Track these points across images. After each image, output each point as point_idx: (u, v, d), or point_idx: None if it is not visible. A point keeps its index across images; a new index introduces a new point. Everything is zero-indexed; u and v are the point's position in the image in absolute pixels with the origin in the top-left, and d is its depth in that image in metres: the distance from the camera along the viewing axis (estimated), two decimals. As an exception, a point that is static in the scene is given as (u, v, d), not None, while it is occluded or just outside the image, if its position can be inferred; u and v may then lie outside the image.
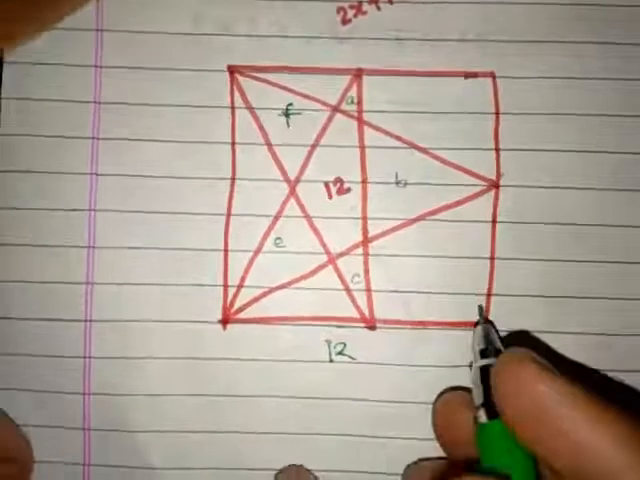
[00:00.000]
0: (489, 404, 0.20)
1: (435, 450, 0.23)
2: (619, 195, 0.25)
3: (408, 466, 0.25)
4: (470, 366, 0.22)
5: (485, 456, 0.20)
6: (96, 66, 0.25)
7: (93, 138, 0.25)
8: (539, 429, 0.18)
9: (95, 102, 0.25)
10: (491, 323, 0.24)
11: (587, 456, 0.17)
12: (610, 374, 0.25)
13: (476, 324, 0.24)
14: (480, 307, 0.25)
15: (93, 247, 0.25)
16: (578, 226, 0.25)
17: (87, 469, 0.25)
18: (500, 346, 0.22)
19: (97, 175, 0.25)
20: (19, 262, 0.25)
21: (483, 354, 0.22)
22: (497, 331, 0.23)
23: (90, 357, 0.25)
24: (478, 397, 0.21)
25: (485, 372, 0.21)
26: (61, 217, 0.25)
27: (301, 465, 0.25)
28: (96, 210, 0.25)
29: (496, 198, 0.25)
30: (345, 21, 0.26)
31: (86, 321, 0.25)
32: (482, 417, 0.20)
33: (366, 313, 0.25)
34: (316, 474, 0.25)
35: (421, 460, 0.25)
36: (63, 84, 0.25)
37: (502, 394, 0.19)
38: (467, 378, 0.25)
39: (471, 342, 0.23)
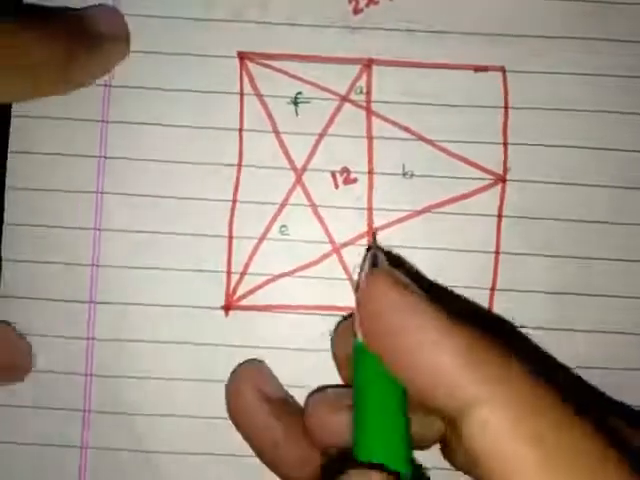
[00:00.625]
0: None
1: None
2: (628, 193, 0.25)
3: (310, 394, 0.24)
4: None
5: (358, 380, 0.19)
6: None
7: (102, 121, 0.25)
8: (387, 346, 0.18)
9: (105, 85, 0.25)
10: (382, 250, 0.23)
11: (427, 373, 0.17)
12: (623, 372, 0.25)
13: (368, 249, 0.24)
14: (373, 233, 0.25)
15: (99, 229, 0.25)
16: (585, 223, 0.25)
17: (85, 452, 0.25)
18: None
19: (105, 158, 0.25)
20: (25, 242, 0.25)
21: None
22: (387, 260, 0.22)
23: (92, 339, 0.25)
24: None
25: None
26: (69, 199, 0.25)
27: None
28: (103, 193, 0.25)
29: (503, 192, 0.25)
30: (357, 10, 0.26)
31: (90, 302, 0.25)
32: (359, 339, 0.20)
33: (369, 304, 0.25)
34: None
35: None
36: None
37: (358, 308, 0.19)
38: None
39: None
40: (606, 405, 0.25)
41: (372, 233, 0.25)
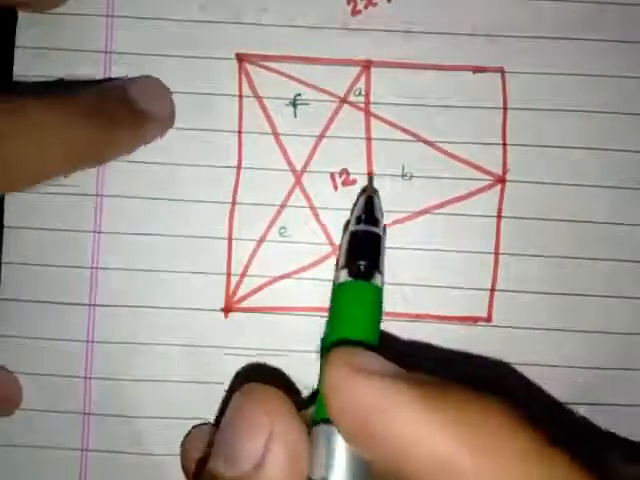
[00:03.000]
0: (351, 267, 0.20)
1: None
2: (628, 193, 0.25)
3: (188, 433, 0.25)
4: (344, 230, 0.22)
5: (336, 316, 0.20)
6: (106, 52, 0.25)
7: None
8: (360, 434, 0.16)
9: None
10: (376, 193, 0.24)
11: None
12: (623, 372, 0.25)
13: (362, 191, 0.24)
14: (370, 178, 0.25)
15: (99, 232, 0.25)
16: (584, 223, 0.25)
17: (85, 454, 0.25)
18: (378, 216, 0.22)
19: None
20: (26, 246, 0.25)
21: (358, 220, 0.22)
22: (381, 207, 0.23)
23: (92, 341, 0.25)
24: (341, 259, 0.21)
25: (354, 237, 0.21)
26: (68, 201, 0.25)
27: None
28: (103, 196, 0.25)
29: (502, 193, 0.25)
30: (355, 12, 0.26)
31: (89, 305, 0.25)
32: (341, 278, 0.20)
33: (368, 305, 0.25)
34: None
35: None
36: (70, 67, 0.25)
37: (326, 391, 0.17)
38: (468, 372, 0.25)
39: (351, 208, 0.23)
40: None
41: (369, 179, 0.25)
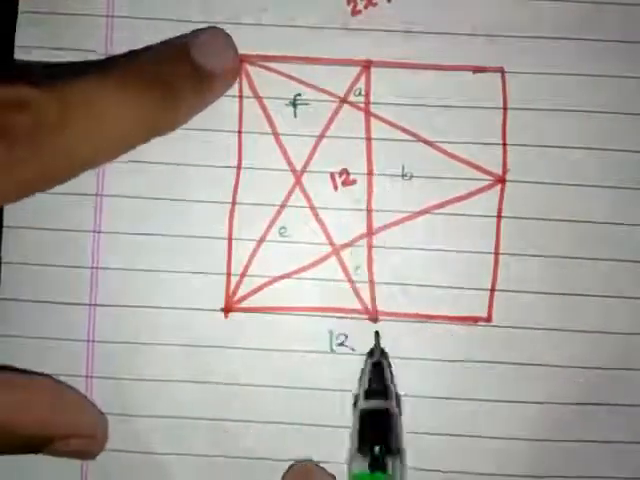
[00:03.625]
0: (364, 450, 0.19)
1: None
2: (628, 193, 0.25)
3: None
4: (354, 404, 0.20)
5: None
6: (106, 52, 0.25)
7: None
8: None
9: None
10: (384, 355, 0.23)
11: None
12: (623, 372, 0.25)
13: (369, 354, 0.23)
14: (376, 333, 0.23)
15: (99, 232, 0.25)
16: (584, 223, 0.25)
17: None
18: (389, 385, 0.20)
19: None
20: (25, 245, 0.25)
21: (368, 394, 0.20)
22: (390, 365, 0.22)
23: (93, 341, 0.25)
24: (353, 442, 0.20)
25: (364, 416, 0.20)
26: (68, 201, 0.25)
27: (311, 462, 0.24)
28: (103, 195, 0.25)
29: (502, 193, 0.25)
30: (355, 12, 0.26)
31: (90, 305, 0.25)
32: (355, 466, 0.19)
33: (368, 305, 0.25)
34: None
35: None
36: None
37: None
38: (468, 372, 0.25)
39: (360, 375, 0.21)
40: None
41: (376, 338, 0.24)
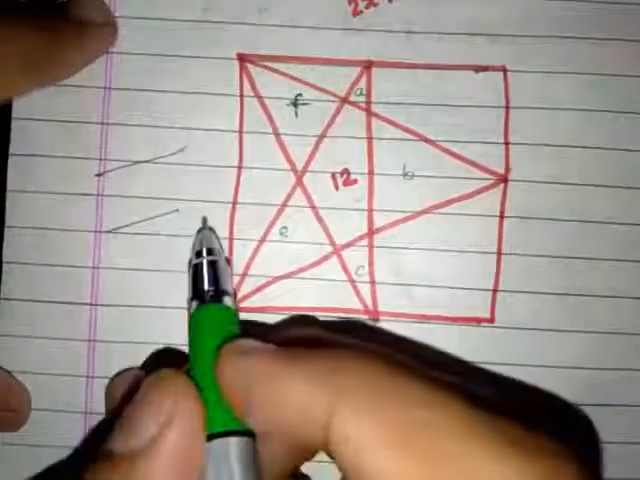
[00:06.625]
0: (199, 296, 0.21)
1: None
2: (628, 193, 0.25)
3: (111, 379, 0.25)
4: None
5: (197, 343, 0.20)
6: (107, 52, 0.26)
7: (102, 123, 0.26)
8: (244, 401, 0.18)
9: (105, 88, 0.26)
10: (212, 230, 0.25)
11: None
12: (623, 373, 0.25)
13: (199, 230, 0.25)
14: (204, 218, 0.25)
15: (99, 232, 0.25)
16: (586, 223, 0.25)
17: (88, 455, 0.25)
18: (216, 246, 0.23)
19: (105, 161, 0.26)
20: (25, 245, 0.25)
21: (198, 254, 0.22)
22: (217, 238, 0.24)
23: (94, 341, 0.25)
24: (189, 292, 0.22)
25: (196, 269, 0.22)
26: (69, 201, 0.25)
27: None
28: (103, 195, 0.25)
29: (504, 192, 0.25)
30: (356, 12, 0.26)
31: (91, 305, 0.25)
32: (192, 308, 0.21)
33: (369, 305, 0.25)
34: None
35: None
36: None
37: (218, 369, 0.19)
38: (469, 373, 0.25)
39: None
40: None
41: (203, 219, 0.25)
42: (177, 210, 0.25)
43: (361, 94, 0.26)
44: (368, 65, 0.26)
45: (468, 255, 0.25)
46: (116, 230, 0.25)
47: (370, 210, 0.25)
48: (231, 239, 0.25)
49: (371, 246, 0.25)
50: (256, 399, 0.17)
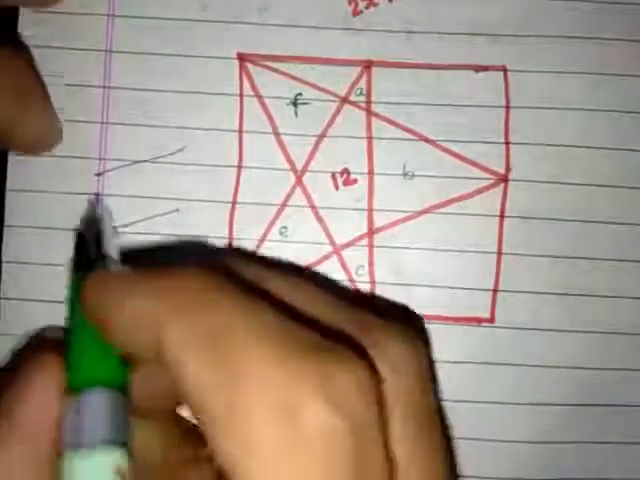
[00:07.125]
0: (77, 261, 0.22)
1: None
2: (629, 192, 0.25)
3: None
4: None
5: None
6: (106, 51, 0.26)
7: (102, 123, 0.25)
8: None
9: (104, 87, 0.26)
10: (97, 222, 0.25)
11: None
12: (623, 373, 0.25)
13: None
14: (89, 201, 0.25)
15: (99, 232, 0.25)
16: (587, 223, 0.25)
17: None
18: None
19: (105, 160, 0.26)
20: (25, 244, 0.25)
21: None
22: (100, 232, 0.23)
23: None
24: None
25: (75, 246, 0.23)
26: (69, 201, 0.25)
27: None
28: (103, 195, 0.25)
29: (505, 192, 0.25)
30: (356, 12, 0.26)
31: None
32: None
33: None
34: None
35: None
36: (71, 67, 0.26)
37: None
38: (471, 375, 0.25)
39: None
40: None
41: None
42: (177, 210, 0.25)
43: (361, 94, 0.26)
44: (368, 65, 0.26)
45: (468, 255, 0.25)
46: (116, 230, 0.25)
47: (370, 210, 0.25)
48: (231, 239, 0.25)
49: (371, 246, 0.25)
50: (113, 320, 0.18)
